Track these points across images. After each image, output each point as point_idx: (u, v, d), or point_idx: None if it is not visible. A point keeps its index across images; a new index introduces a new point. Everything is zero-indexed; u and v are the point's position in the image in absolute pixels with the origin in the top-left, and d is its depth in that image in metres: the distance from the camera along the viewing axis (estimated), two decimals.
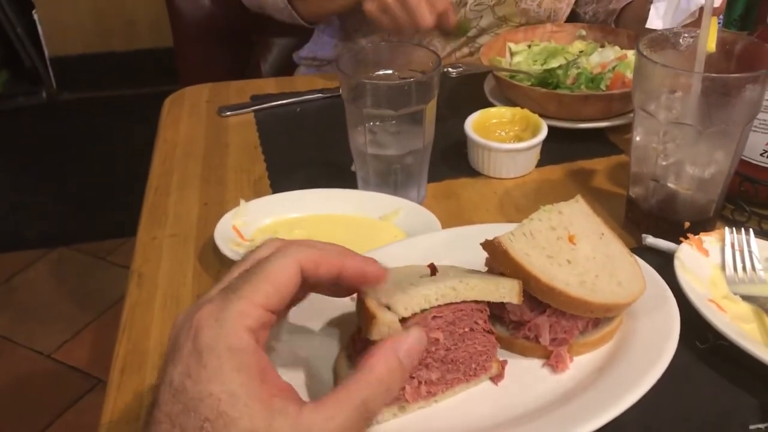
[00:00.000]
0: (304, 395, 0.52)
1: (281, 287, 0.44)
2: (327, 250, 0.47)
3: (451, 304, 0.53)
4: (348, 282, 0.48)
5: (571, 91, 0.96)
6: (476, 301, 0.54)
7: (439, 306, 0.52)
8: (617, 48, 1.06)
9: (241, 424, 0.38)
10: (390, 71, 0.80)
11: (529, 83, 0.98)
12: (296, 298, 0.50)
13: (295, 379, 0.54)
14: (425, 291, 0.51)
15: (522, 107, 0.92)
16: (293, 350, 0.57)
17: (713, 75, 0.67)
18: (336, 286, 0.49)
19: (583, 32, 1.11)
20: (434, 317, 0.52)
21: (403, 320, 0.50)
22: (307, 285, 0.47)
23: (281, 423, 0.39)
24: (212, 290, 0.45)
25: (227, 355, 0.40)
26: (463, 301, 0.53)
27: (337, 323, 0.59)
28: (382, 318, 0.48)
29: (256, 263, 0.45)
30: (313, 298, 0.53)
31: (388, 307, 0.50)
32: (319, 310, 0.59)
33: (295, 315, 0.56)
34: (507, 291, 0.55)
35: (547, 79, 0.98)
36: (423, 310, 0.51)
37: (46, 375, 1.93)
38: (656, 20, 0.96)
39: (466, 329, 0.54)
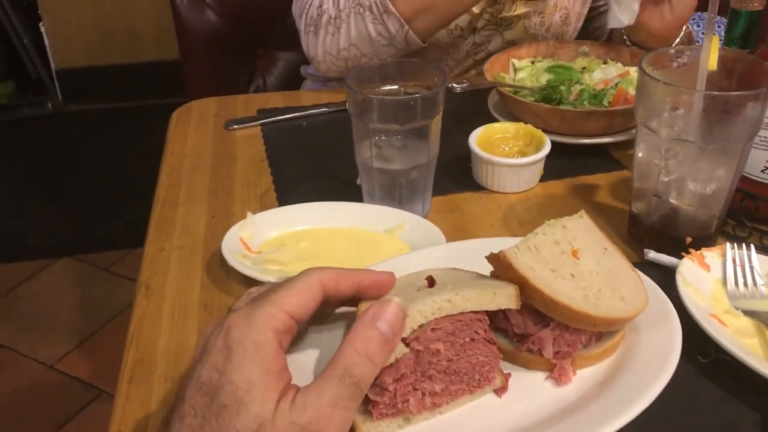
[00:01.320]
0: None
1: (305, 299, 0.49)
2: (344, 269, 0.53)
3: (450, 315, 0.54)
4: (367, 293, 0.53)
5: (574, 107, 0.97)
6: (475, 311, 0.55)
7: (437, 318, 0.53)
8: (620, 65, 1.07)
9: (252, 409, 0.43)
10: (396, 87, 0.81)
11: (533, 99, 1.00)
12: (319, 313, 0.54)
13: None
14: (421, 306, 0.52)
15: (525, 122, 0.93)
16: (306, 366, 0.57)
17: (714, 93, 0.68)
18: (355, 299, 0.54)
19: (586, 49, 1.13)
20: (433, 329, 0.53)
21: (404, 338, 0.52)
22: (331, 300, 0.53)
23: (284, 407, 0.43)
24: (239, 305, 0.49)
25: (252, 349, 0.45)
26: (462, 312, 0.54)
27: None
28: None
29: (283, 281, 0.51)
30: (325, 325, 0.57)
31: None
32: (330, 329, 0.60)
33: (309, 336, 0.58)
34: (504, 299, 0.56)
35: (550, 95, 0.99)
36: (421, 325, 0.52)
37: (48, 386, 1.93)
38: None
39: (467, 339, 0.55)
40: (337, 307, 0.57)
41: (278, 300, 0.48)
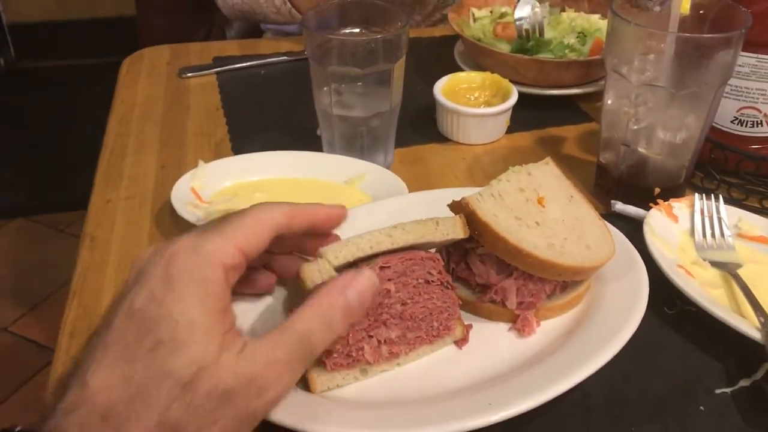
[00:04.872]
0: None
1: (258, 234, 0.45)
2: (297, 205, 0.49)
3: (398, 253, 0.51)
4: (321, 227, 0.50)
5: (554, 56, 0.94)
6: (426, 251, 0.52)
7: (385, 255, 0.50)
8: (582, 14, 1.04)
9: (192, 351, 0.39)
10: (358, 30, 0.77)
11: (509, 50, 0.96)
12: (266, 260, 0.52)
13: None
14: (357, 239, 0.49)
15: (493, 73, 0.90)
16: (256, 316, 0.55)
17: (687, 35, 0.66)
18: (308, 237, 0.51)
19: None
20: (382, 267, 0.50)
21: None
22: (285, 237, 0.48)
23: (227, 357, 0.39)
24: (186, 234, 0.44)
25: (197, 283, 0.40)
26: (409, 249, 0.51)
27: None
28: (310, 264, 0.47)
29: (234, 214, 0.46)
30: None
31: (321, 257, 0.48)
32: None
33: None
34: (449, 227, 0.53)
35: (524, 45, 0.96)
36: (359, 259, 0.49)
37: (2, 348, 1.88)
38: None
39: (420, 281, 0.52)
40: (289, 245, 0.53)
41: (230, 233, 0.43)
